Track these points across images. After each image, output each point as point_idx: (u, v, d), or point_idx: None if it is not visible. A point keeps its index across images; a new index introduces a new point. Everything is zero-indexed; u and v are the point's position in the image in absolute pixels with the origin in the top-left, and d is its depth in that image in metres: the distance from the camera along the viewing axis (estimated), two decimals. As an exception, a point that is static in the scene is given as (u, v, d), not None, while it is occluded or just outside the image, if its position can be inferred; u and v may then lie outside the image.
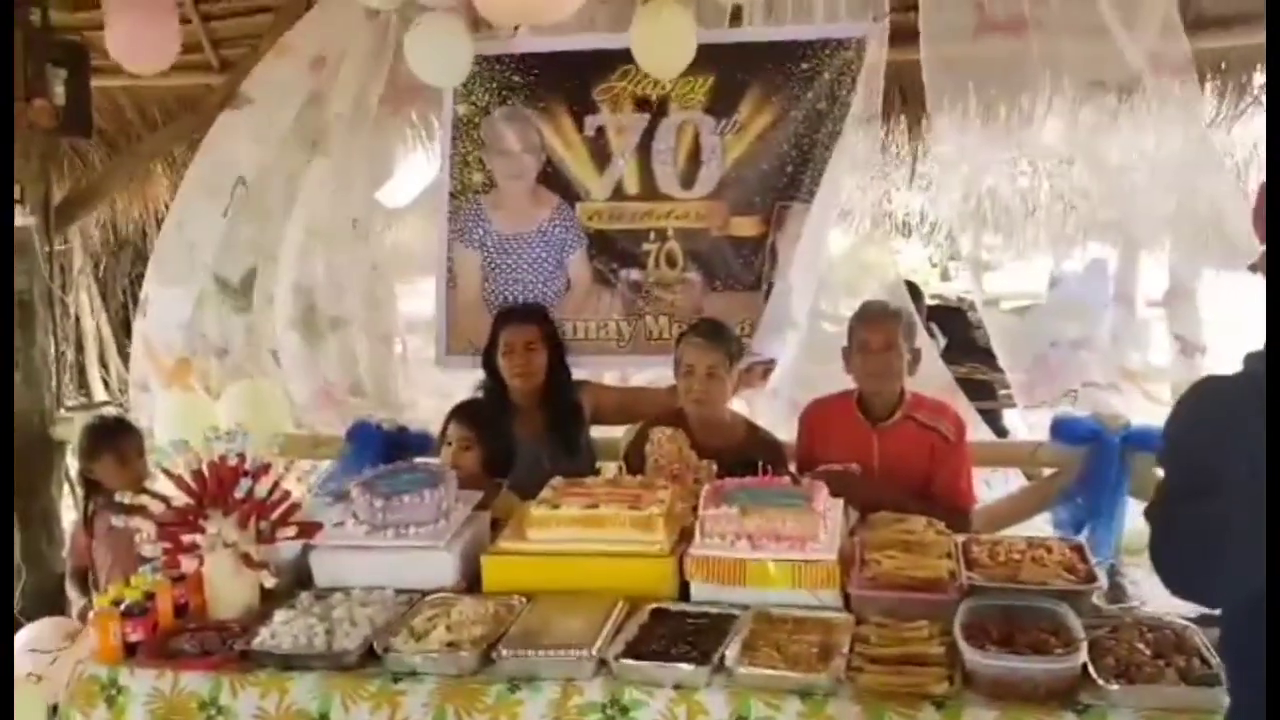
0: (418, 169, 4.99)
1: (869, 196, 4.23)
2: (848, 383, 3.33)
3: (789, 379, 3.90)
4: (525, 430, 3.51)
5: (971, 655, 2.14)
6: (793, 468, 3.22)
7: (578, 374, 3.85)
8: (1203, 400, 1.79)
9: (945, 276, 8.35)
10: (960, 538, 2.68)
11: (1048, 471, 3.84)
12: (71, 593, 3.77)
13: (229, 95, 4.56)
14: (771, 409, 3.85)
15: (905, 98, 4.38)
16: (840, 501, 2.76)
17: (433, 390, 4.58)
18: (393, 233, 4.88)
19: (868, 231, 4.31)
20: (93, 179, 5.32)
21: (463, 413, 3.31)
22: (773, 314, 3.90)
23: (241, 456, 2.58)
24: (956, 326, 5.72)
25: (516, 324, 3.68)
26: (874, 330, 3.22)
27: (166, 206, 5.47)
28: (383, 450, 3.86)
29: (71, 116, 4.58)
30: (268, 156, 4.48)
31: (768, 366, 3.82)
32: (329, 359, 4.65)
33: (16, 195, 4.58)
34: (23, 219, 4.59)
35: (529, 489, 2.96)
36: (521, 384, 3.61)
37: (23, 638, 3.53)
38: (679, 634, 2.36)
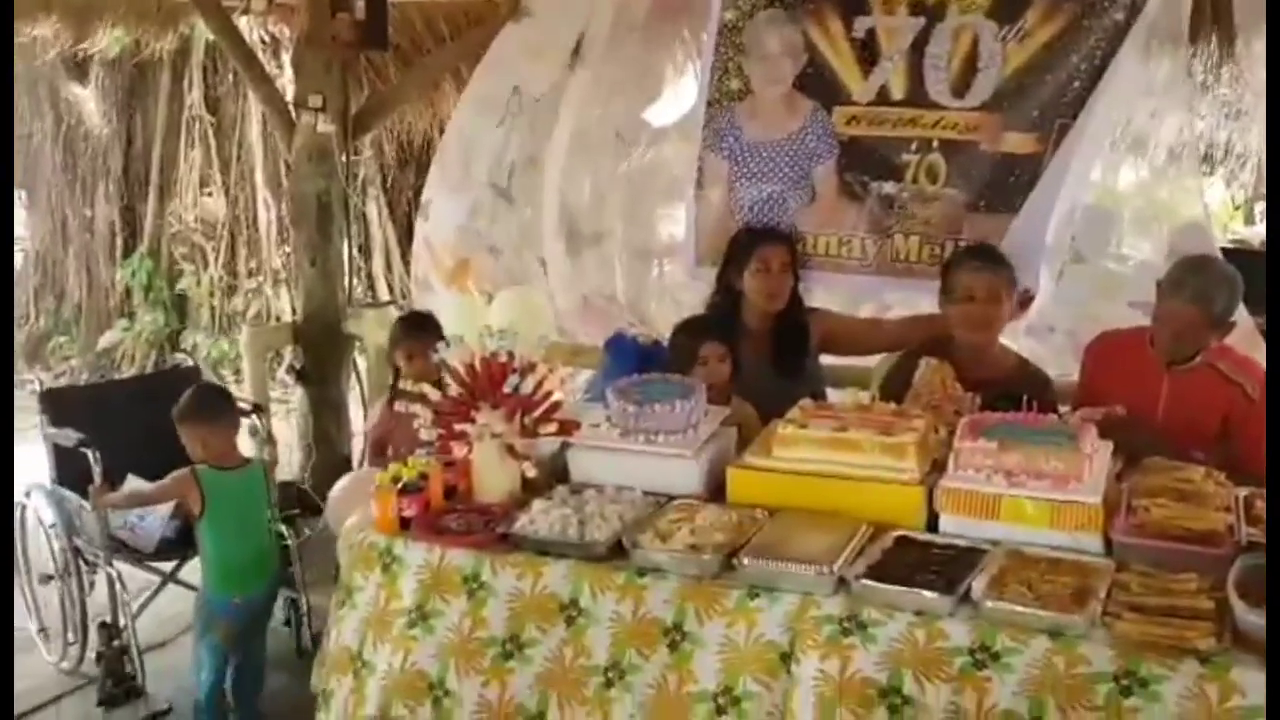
0: (686, 87, 4.99)
1: (1167, 126, 3.85)
2: (1133, 321, 3.11)
3: (1064, 315, 3.67)
4: (751, 351, 3.47)
5: (1245, 614, 2.00)
6: (1067, 405, 3.03)
7: (817, 291, 3.79)
8: None
9: (1249, 219, 7.58)
10: (1243, 491, 2.45)
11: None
12: (369, 462, 3.95)
13: (513, 10, 4.73)
14: (1046, 345, 3.65)
15: (1217, 15, 3.97)
16: (1109, 444, 2.60)
17: (683, 310, 4.64)
18: (654, 151, 4.90)
19: (1163, 165, 3.94)
20: (386, 91, 5.67)
21: (690, 328, 3.36)
22: (1023, 238, 3.58)
23: (511, 355, 2.72)
24: (1257, 275, 5.22)
25: (774, 244, 3.62)
26: (1179, 300, 2.92)
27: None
28: (637, 362, 3.94)
29: (370, 30, 4.89)
30: (540, 67, 4.57)
31: (1024, 297, 3.53)
32: (590, 271, 4.79)
33: (318, 104, 4.95)
34: (324, 126, 4.96)
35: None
36: (767, 304, 3.58)
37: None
38: (924, 562, 2.32)
